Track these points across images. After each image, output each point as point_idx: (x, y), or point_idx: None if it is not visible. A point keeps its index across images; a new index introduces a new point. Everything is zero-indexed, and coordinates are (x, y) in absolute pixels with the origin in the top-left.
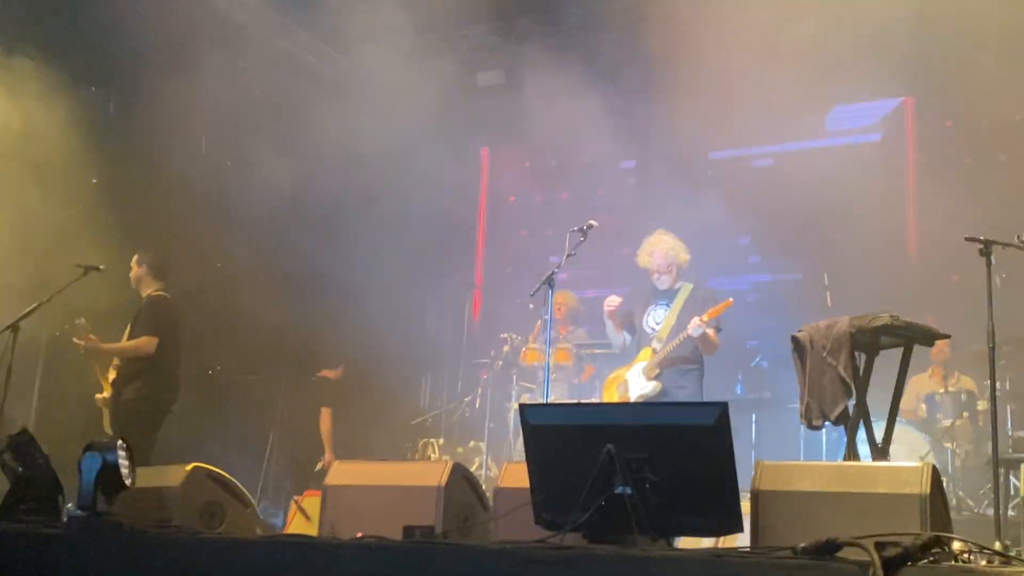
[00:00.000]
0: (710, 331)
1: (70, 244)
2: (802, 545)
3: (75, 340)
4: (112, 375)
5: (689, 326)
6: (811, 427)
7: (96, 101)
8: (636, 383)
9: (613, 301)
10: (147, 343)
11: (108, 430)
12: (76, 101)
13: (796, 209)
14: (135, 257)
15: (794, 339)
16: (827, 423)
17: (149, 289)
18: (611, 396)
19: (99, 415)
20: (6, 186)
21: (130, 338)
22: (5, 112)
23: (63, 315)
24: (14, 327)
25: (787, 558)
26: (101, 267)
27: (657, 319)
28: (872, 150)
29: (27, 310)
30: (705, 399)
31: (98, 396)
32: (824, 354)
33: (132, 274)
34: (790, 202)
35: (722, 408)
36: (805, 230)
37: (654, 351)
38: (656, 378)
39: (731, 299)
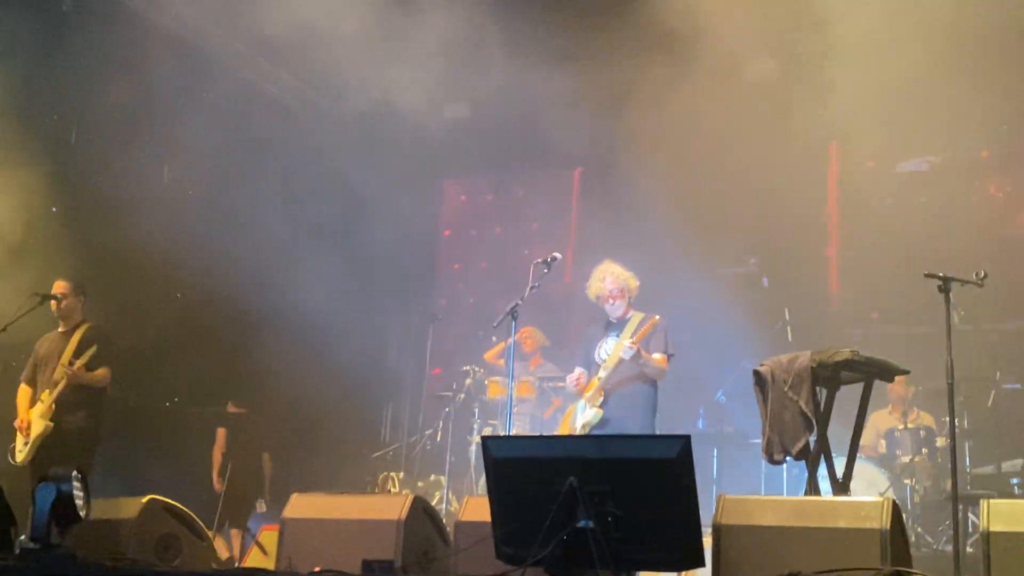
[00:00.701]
0: (656, 355)
1: (28, 272)
2: None
3: (65, 366)
4: (49, 403)
5: (621, 350)
6: (773, 462)
7: (57, 130)
8: (581, 412)
9: (580, 379)
10: (106, 375)
11: (18, 456)
12: (37, 130)
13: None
14: (68, 285)
15: (756, 373)
16: (788, 458)
17: (79, 318)
18: (565, 429)
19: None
20: None
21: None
22: None
23: (15, 345)
24: None
25: None
26: (59, 295)
27: (608, 349)
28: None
29: None
30: (664, 432)
31: (48, 423)
32: (785, 388)
33: (66, 303)
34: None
35: (684, 442)
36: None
37: (599, 379)
38: (599, 405)
39: (657, 317)
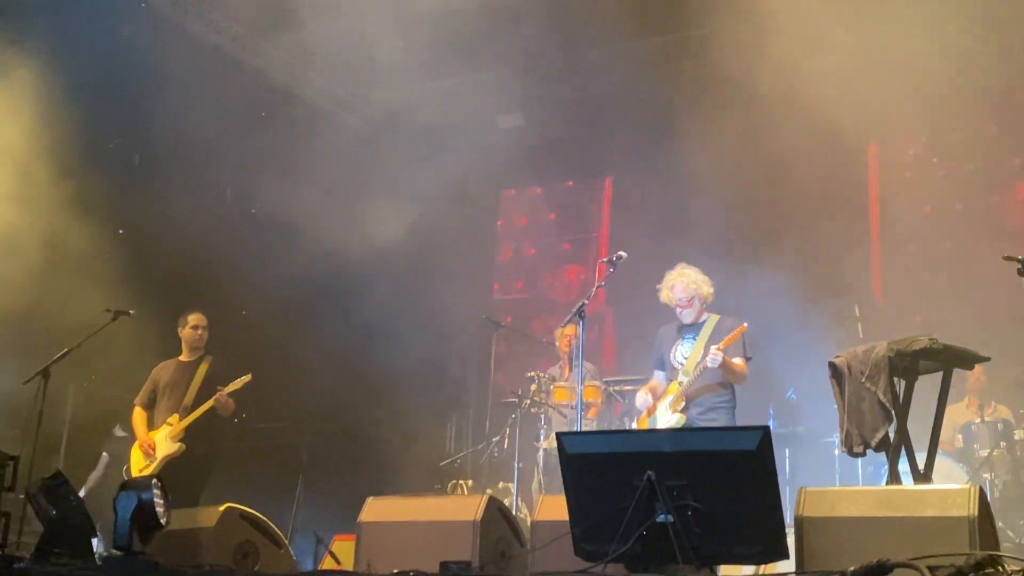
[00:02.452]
0: (736, 360)
1: (97, 292)
2: (852, 568)
3: (221, 398)
4: (181, 427)
5: (708, 357)
6: (852, 454)
7: (122, 153)
8: (663, 417)
9: (650, 403)
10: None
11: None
12: (102, 154)
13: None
14: (203, 318)
15: (831, 365)
16: (868, 451)
17: (204, 350)
18: None
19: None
20: (36, 231)
21: (202, 394)
22: (30, 163)
23: (88, 360)
24: (45, 373)
25: None
26: (131, 311)
27: (684, 353)
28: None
29: (57, 355)
30: None
31: (180, 446)
32: (863, 379)
33: (200, 334)
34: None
35: (764, 433)
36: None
37: (680, 384)
38: (681, 410)
39: (745, 324)
